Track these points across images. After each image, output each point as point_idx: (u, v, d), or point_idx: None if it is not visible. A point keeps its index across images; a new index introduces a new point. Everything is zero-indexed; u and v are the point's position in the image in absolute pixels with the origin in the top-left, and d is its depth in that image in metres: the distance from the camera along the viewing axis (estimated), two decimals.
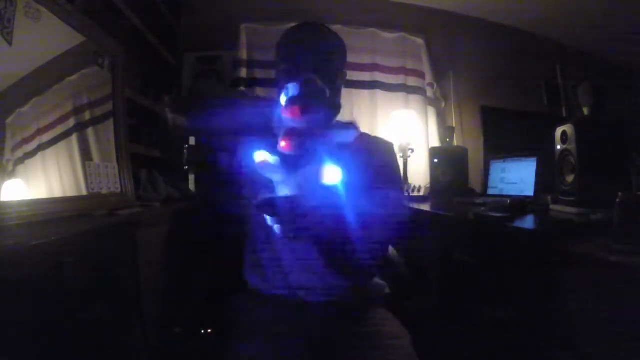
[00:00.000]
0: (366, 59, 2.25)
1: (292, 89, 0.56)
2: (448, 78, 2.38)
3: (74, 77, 1.12)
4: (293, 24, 0.97)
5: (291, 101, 0.55)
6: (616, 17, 1.92)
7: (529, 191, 1.69)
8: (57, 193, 1.00)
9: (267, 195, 0.57)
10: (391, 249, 1.11)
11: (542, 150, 1.61)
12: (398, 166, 1.01)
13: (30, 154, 0.95)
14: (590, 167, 1.20)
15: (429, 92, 2.32)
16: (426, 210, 1.65)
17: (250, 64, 2.17)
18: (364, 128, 1.06)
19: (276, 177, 0.58)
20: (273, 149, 0.55)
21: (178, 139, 1.84)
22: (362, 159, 0.79)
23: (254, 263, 0.97)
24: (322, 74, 0.88)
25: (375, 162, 0.90)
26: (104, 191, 1.17)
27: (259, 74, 2.17)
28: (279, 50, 0.94)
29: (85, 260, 0.80)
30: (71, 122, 1.10)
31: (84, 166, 1.11)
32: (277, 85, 0.95)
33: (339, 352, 0.83)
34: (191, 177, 1.80)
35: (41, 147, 0.98)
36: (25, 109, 0.93)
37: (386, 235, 0.83)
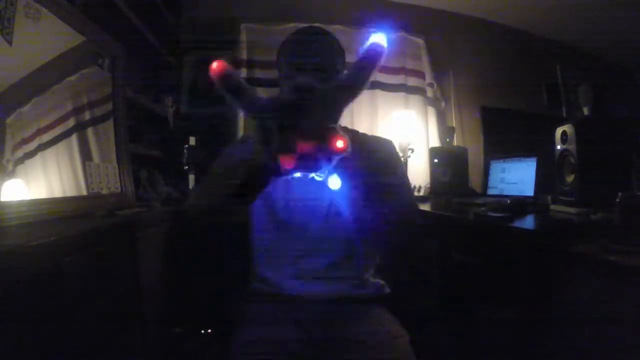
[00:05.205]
0: None
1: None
2: (448, 78, 2.38)
3: (74, 77, 1.12)
4: (293, 25, 0.97)
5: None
6: (616, 17, 1.92)
7: (529, 191, 1.69)
8: (57, 193, 1.00)
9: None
10: None
11: (542, 150, 1.61)
12: (402, 165, 1.01)
13: (30, 154, 0.95)
14: (590, 167, 1.20)
15: (429, 92, 2.32)
16: (426, 210, 1.65)
17: (250, 64, 2.17)
18: (363, 128, 1.07)
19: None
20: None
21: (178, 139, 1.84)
22: (362, 163, 0.79)
23: (255, 262, 0.97)
24: (327, 78, 0.89)
25: (377, 164, 0.89)
26: (104, 191, 1.17)
27: (259, 73, 2.17)
28: (281, 55, 0.94)
29: (85, 260, 0.80)
30: (71, 122, 1.10)
31: (84, 166, 1.11)
32: (280, 87, 0.95)
33: (338, 351, 0.83)
34: (191, 177, 1.80)
35: (41, 147, 0.98)
36: (25, 109, 0.93)
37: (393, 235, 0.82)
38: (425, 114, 2.30)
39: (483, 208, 1.37)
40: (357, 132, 1.00)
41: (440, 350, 1.07)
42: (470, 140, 2.36)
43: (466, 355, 1.16)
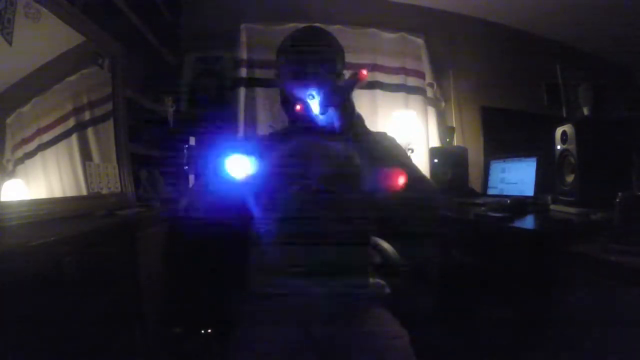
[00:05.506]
0: (366, 59, 2.25)
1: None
2: (448, 78, 2.38)
3: (74, 77, 1.12)
4: (293, 25, 0.97)
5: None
6: (616, 17, 1.92)
7: (529, 191, 1.69)
8: (57, 193, 1.01)
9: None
10: (390, 248, 1.11)
11: (542, 150, 1.61)
12: (401, 148, 1.00)
13: (30, 154, 0.95)
14: (590, 167, 1.20)
15: (429, 92, 2.32)
16: None
17: (250, 64, 2.17)
18: None
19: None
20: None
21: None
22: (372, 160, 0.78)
23: (254, 262, 0.97)
24: (327, 77, 0.89)
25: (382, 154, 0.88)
26: (104, 191, 1.17)
27: (259, 73, 2.17)
28: (281, 55, 0.94)
29: (85, 260, 0.80)
30: (71, 122, 1.10)
31: (84, 166, 1.11)
32: (279, 87, 0.95)
33: (337, 351, 0.83)
34: (191, 177, 1.80)
35: (41, 147, 0.98)
36: (25, 109, 0.93)
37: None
38: (425, 114, 2.30)
39: (483, 208, 1.37)
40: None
41: (440, 350, 1.07)
42: (470, 140, 2.36)
43: (466, 355, 1.16)
